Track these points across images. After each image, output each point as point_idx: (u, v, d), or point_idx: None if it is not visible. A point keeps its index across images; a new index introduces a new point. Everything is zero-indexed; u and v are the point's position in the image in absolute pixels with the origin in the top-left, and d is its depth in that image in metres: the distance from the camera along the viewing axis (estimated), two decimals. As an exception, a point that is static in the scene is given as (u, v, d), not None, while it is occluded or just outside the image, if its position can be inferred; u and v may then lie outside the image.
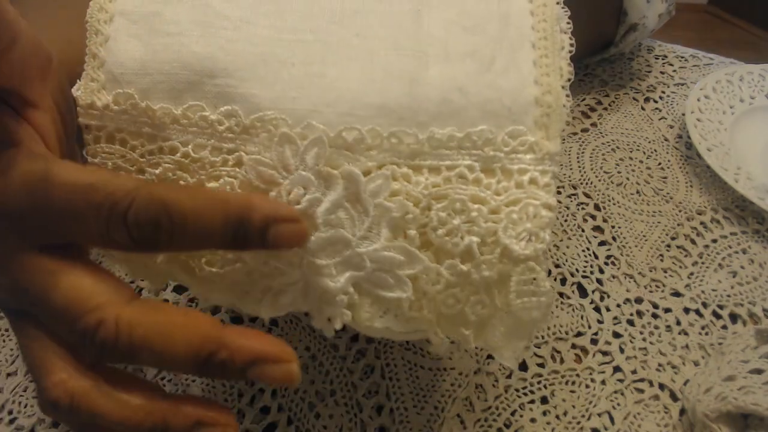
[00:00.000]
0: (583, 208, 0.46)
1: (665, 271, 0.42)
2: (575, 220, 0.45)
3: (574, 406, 0.35)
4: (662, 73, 0.59)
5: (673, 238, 0.44)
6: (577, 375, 0.36)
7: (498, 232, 0.23)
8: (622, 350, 0.37)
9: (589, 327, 0.39)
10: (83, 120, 0.25)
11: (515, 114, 0.24)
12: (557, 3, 0.26)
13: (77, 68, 0.26)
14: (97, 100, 0.24)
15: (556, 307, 0.40)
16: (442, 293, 0.23)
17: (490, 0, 0.26)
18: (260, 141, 0.23)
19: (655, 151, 0.51)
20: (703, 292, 0.41)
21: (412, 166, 0.23)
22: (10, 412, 0.35)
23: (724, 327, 0.39)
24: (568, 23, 0.25)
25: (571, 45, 0.25)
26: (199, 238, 0.20)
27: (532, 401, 0.35)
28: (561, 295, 0.41)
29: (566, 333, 0.38)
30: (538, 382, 0.36)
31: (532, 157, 0.23)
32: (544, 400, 0.35)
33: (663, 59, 0.61)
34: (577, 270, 0.42)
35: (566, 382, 0.36)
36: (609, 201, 0.47)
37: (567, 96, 0.24)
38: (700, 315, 0.39)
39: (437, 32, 0.25)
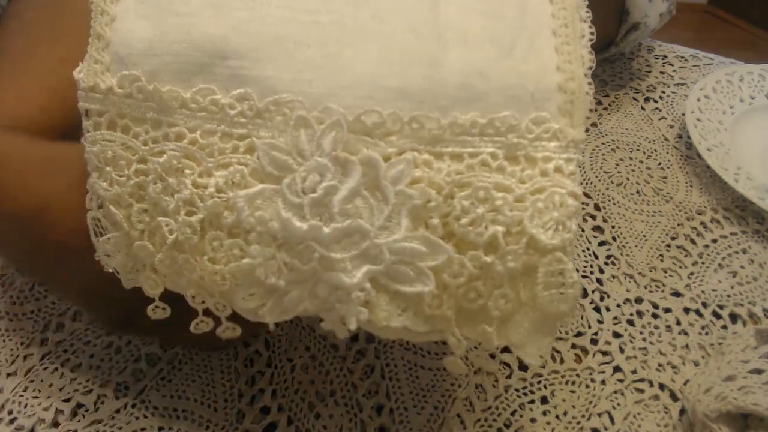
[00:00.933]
0: (583, 208, 0.46)
1: (665, 271, 0.42)
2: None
3: (574, 406, 0.35)
4: (662, 73, 0.59)
5: (673, 238, 0.44)
6: (577, 375, 0.36)
7: (524, 221, 0.22)
8: (622, 350, 0.37)
9: (589, 327, 0.39)
10: (84, 104, 0.24)
11: (538, 100, 0.23)
12: None
13: (57, 121, 0.26)
14: (100, 83, 0.23)
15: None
16: (463, 287, 0.22)
17: None
18: (275, 125, 0.22)
19: (655, 151, 0.51)
20: (703, 292, 0.41)
21: (434, 153, 0.22)
22: (10, 412, 0.35)
23: (724, 327, 0.39)
24: (587, 12, 0.25)
25: (592, 34, 0.24)
26: None
27: (532, 401, 0.35)
28: (561, 295, 0.41)
29: (566, 333, 0.38)
30: (538, 382, 0.36)
31: (557, 144, 0.23)
32: (544, 400, 0.35)
33: (663, 59, 0.61)
34: (577, 270, 0.42)
35: (566, 382, 0.36)
36: (609, 201, 0.47)
37: (589, 83, 0.24)
38: (700, 315, 0.39)
39: (455, 17, 0.24)
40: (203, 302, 0.25)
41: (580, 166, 0.49)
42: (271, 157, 0.22)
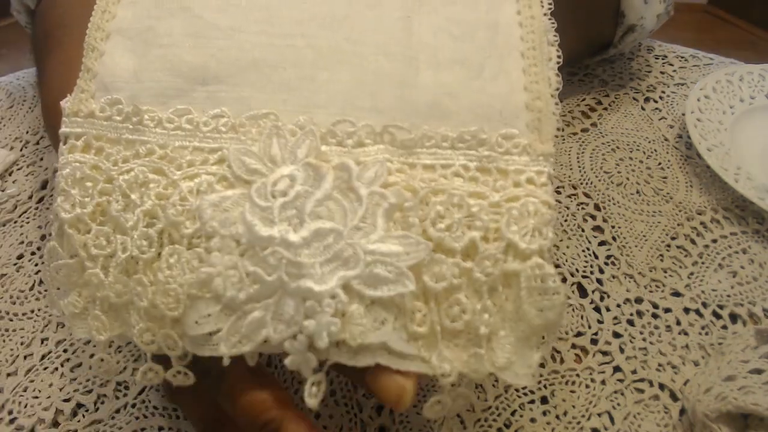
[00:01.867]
0: (583, 208, 0.46)
1: (665, 271, 0.42)
2: (575, 220, 0.45)
3: (574, 406, 0.35)
4: (662, 73, 0.59)
5: (673, 238, 0.44)
6: (577, 375, 0.36)
7: (500, 227, 0.22)
8: (622, 350, 0.37)
9: (589, 327, 0.39)
10: (65, 129, 0.24)
11: (507, 118, 0.24)
12: (545, 15, 0.26)
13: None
14: (84, 108, 0.24)
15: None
16: (445, 300, 0.21)
17: (478, 8, 0.26)
18: (249, 137, 0.23)
19: (655, 151, 0.51)
20: (703, 292, 0.41)
21: (407, 163, 0.23)
22: (10, 412, 0.35)
23: (724, 327, 0.39)
24: (555, 36, 0.26)
25: (559, 57, 0.25)
26: None
27: (532, 401, 0.35)
28: (561, 295, 0.41)
29: (566, 333, 0.38)
30: (538, 382, 0.36)
31: (527, 158, 0.23)
32: (544, 400, 0.35)
33: (663, 59, 0.61)
34: (577, 270, 0.42)
35: (566, 382, 0.36)
36: (609, 201, 0.47)
37: (556, 104, 0.24)
38: (700, 315, 0.39)
39: (427, 39, 0.25)
40: (152, 341, 0.22)
41: (579, 167, 0.49)
42: (242, 162, 0.22)
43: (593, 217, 0.46)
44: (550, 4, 0.26)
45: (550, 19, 0.26)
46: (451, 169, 0.23)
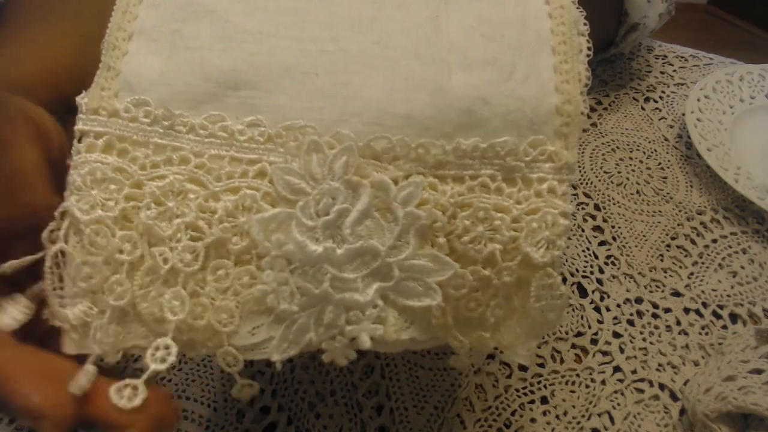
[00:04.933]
0: (583, 208, 0.46)
1: (665, 271, 0.42)
2: (575, 220, 0.45)
3: (574, 406, 0.35)
4: (662, 73, 0.59)
5: (673, 238, 0.44)
6: (577, 375, 0.36)
7: (519, 239, 0.23)
8: (622, 350, 0.37)
9: (589, 327, 0.39)
10: (82, 127, 0.23)
11: (536, 124, 0.24)
12: (572, 3, 0.26)
13: (61, 86, 0.24)
14: (107, 106, 0.23)
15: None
16: (464, 298, 0.24)
17: (506, 4, 0.26)
18: (287, 150, 0.23)
19: (655, 151, 0.51)
20: (703, 292, 0.41)
21: (438, 176, 0.24)
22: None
23: (724, 327, 0.39)
24: (585, 24, 0.25)
25: (589, 48, 0.25)
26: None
27: (532, 401, 0.35)
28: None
29: (566, 333, 0.38)
30: (538, 382, 0.36)
31: (551, 166, 0.24)
32: (544, 400, 0.35)
33: (663, 59, 0.61)
34: (577, 270, 0.42)
35: (566, 382, 0.36)
36: (609, 201, 0.47)
37: (584, 101, 0.24)
38: (700, 315, 0.39)
39: (457, 39, 0.25)
40: (192, 350, 0.23)
41: (579, 167, 0.49)
42: (286, 181, 0.23)
43: (593, 217, 0.46)
44: None
45: (578, 7, 0.26)
46: (478, 180, 0.24)
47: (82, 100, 0.23)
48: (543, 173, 0.24)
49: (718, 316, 0.39)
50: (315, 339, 0.22)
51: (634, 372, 0.36)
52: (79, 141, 0.23)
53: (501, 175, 0.24)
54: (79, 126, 0.23)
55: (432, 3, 0.26)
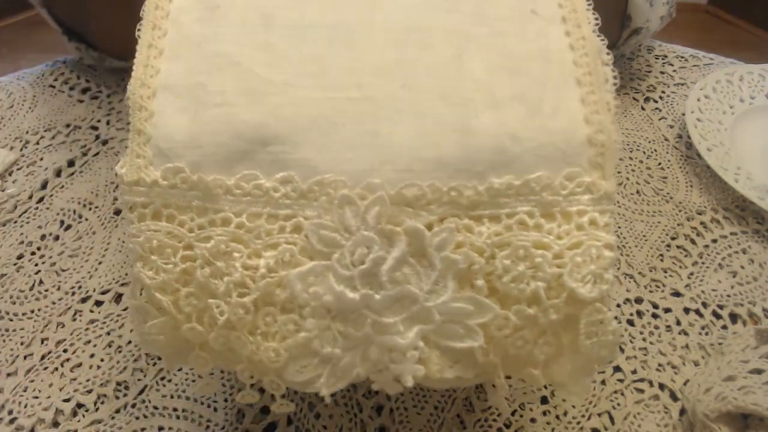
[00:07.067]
0: (583, 208, 0.46)
1: (665, 271, 0.42)
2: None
3: (574, 406, 0.35)
4: (662, 73, 0.59)
5: (673, 238, 0.44)
6: (577, 375, 0.36)
7: (563, 276, 0.23)
8: (622, 350, 0.37)
9: (589, 327, 0.39)
10: (128, 198, 0.24)
11: (570, 156, 0.24)
12: (594, 32, 0.25)
13: None
14: (145, 177, 0.24)
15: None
16: (510, 336, 0.23)
17: (527, 37, 0.26)
18: (320, 204, 0.23)
19: (655, 151, 0.51)
20: (703, 292, 0.41)
21: (473, 217, 0.23)
22: (10, 412, 0.35)
23: (724, 327, 0.39)
24: (608, 53, 0.25)
25: (615, 78, 0.25)
26: None
27: (532, 401, 0.35)
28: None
29: (566, 333, 0.38)
30: (538, 382, 0.36)
31: (590, 197, 0.24)
32: (544, 400, 0.35)
33: (663, 59, 0.61)
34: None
35: (566, 382, 0.36)
36: (609, 201, 0.47)
37: (617, 130, 0.24)
38: (700, 315, 0.39)
39: (482, 76, 0.25)
40: (252, 377, 0.25)
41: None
42: (320, 236, 0.23)
43: (593, 217, 0.46)
44: (597, 19, 0.26)
45: (599, 35, 0.25)
46: (515, 218, 0.23)
47: (121, 170, 0.24)
48: (582, 206, 0.24)
49: (718, 316, 0.39)
50: (362, 373, 0.23)
51: (634, 372, 0.36)
52: (129, 210, 0.24)
53: (539, 211, 0.23)
54: (125, 198, 0.24)
55: (455, 41, 0.25)
